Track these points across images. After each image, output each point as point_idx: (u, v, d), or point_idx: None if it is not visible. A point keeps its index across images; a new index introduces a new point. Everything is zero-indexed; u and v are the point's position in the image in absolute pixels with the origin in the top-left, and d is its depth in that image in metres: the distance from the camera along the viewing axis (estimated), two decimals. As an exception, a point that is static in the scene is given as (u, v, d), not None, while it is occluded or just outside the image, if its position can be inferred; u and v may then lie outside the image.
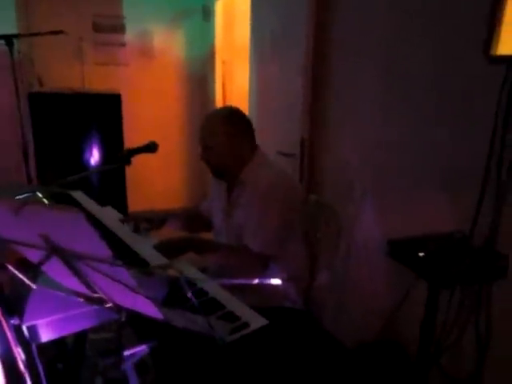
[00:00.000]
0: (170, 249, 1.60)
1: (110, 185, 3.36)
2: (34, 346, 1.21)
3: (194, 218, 2.03)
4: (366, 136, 2.22)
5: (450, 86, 1.73)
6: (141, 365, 1.49)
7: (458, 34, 1.68)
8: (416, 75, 1.89)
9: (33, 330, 1.10)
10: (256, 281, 0.67)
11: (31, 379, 1.20)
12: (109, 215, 1.91)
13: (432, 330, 1.57)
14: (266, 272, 1.64)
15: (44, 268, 0.87)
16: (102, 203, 2.07)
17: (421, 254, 1.49)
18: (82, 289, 0.95)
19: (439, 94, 1.79)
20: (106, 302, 0.97)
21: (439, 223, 1.77)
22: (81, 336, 1.63)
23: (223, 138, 1.64)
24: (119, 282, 0.76)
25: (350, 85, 2.31)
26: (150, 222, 1.83)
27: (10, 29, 3.01)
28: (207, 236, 1.94)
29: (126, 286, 0.76)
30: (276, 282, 0.66)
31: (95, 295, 0.94)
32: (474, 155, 1.59)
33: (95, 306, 1.06)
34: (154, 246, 1.61)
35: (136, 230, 1.78)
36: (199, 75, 4.05)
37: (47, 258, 0.75)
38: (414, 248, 1.53)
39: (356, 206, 2.28)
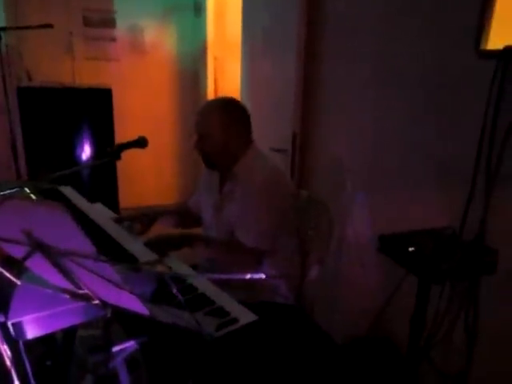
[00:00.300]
0: (164, 244, 1.58)
1: (101, 180, 3.34)
2: (20, 343, 1.20)
3: (184, 215, 2.02)
4: (357, 132, 2.22)
5: (441, 81, 1.73)
6: (132, 361, 1.48)
7: (448, 29, 1.68)
8: (407, 72, 1.88)
9: (18, 326, 1.08)
10: (242, 276, 0.66)
11: (18, 377, 1.19)
12: (98, 212, 1.89)
13: (422, 324, 1.58)
14: (259, 267, 1.64)
15: (28, 264, 0.86)
16: (93, 199, 2.05)
17: (411, 250, 1.49)
18: (67, 285, 0.93)
19: (430, 90, 1.78)
20: (92, 299, 0.96)
21: (430, 219, 1.77)
22: (70, 333, 1.62)
23: (218, 126, 1.62)
24: (103, 277, 0.75)
25: (341, 81, 2.30)
26: (141, 222, 1.81)
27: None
28: (197, 231, 1.93)
29: (111, 281, 0.75)
30: (260, 276, 0.65)
31: (80, 291, 0.92)
32: (464, 151, 1.59)
33: (81, 303, 1.04)
34: (150, 241, 1.59)
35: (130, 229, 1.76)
36: (191, 71, 4.02)
37: (30, 254, 0.74)
38: (404, 243, 1.53)
39: (347, 202, 2.28)
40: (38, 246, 0.72)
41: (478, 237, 1.54)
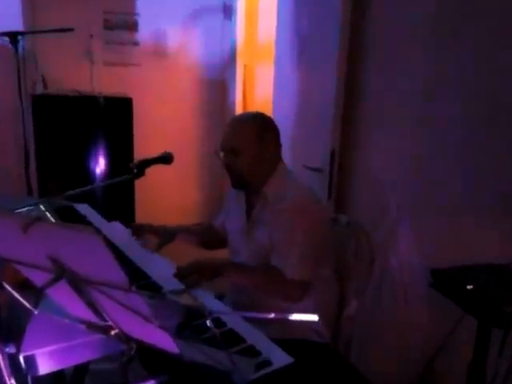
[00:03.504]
0: (197, 272, 1.54)
1: (117, 198, 3.35)
2: (29, 378, 1.20)
3: (208, 234, 2.03)
4: (403, 151, 2.19)
5: (497, 103, 1.70)
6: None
7: (502, 48, 1.66)
8: (459, 90, 1.86)
9: (30, 360, 1.08)
10: (290, 317, 0.65)
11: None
12: (118, 233, 1.91)
13: (481, 376, 1.52)
14: (301, 301, 1.60)
15: (48, 291, 0.87)
16: (108, 217, 2.08)
17: (469, 287, 1.45)
18: (89, 315, 0.94)
19: (485, 112, 1.76)
20: (113, 331, 0.96)
21: (488, 253, 1.73)
22: (81, 367, 1.62)
23: (251, 141, 1.64)
24: (132, 310, 0.75)
25: (386, 96, 2.29)
26: (157, 234, 1.82)
27: (15, 25, 3.06)
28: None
29: (141, 315, 0.75)
30: (313, 318, 0.64)
31: (102, 323, 0.93)
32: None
33: (100, 336, 1.04)
34: (182, 270, 1.54)
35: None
36: (218, 79, 4.06)
37: (55, 281, 0.75)
38: (461, 279, 1.49)
39: (391, 229, 2.25)
40: (64, 273, 0.73)
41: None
